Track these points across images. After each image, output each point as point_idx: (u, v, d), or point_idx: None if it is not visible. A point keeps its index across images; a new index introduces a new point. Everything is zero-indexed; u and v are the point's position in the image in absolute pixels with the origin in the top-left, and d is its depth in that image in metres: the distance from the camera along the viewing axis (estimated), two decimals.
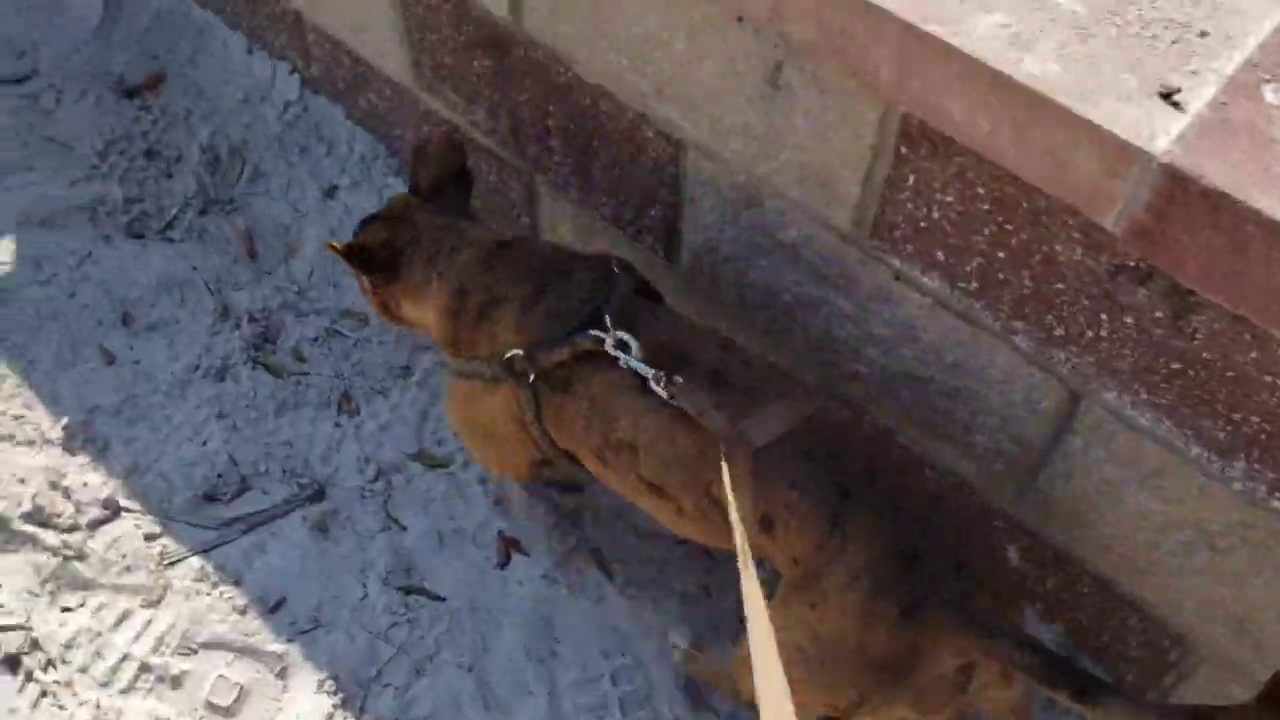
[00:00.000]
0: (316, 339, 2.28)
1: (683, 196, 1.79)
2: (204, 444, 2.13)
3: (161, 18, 2.72)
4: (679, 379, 1.47)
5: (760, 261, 1.76)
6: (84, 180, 2.47)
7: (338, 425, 2.17)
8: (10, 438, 2.12)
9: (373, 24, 2.14)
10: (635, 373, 1.50)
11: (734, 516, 1.31)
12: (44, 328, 2.26)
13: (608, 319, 1.52)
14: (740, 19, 1.47)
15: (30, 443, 2.11)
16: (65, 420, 2.13)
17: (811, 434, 1.44)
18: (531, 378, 1.58)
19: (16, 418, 2.14)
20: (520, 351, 1.58)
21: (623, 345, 1.51)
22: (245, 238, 2.40)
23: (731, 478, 1.37)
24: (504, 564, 2.00)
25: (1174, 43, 1.20)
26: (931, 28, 1.23)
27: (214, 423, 2.16)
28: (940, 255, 1.49)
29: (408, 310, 1.80)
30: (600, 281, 1.61)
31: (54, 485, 2.06)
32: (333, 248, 1.68)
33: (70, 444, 2.12)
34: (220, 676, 1.90)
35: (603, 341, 1.52)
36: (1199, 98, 1.16)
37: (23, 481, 2.06)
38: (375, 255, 1.73)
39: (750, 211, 1.70)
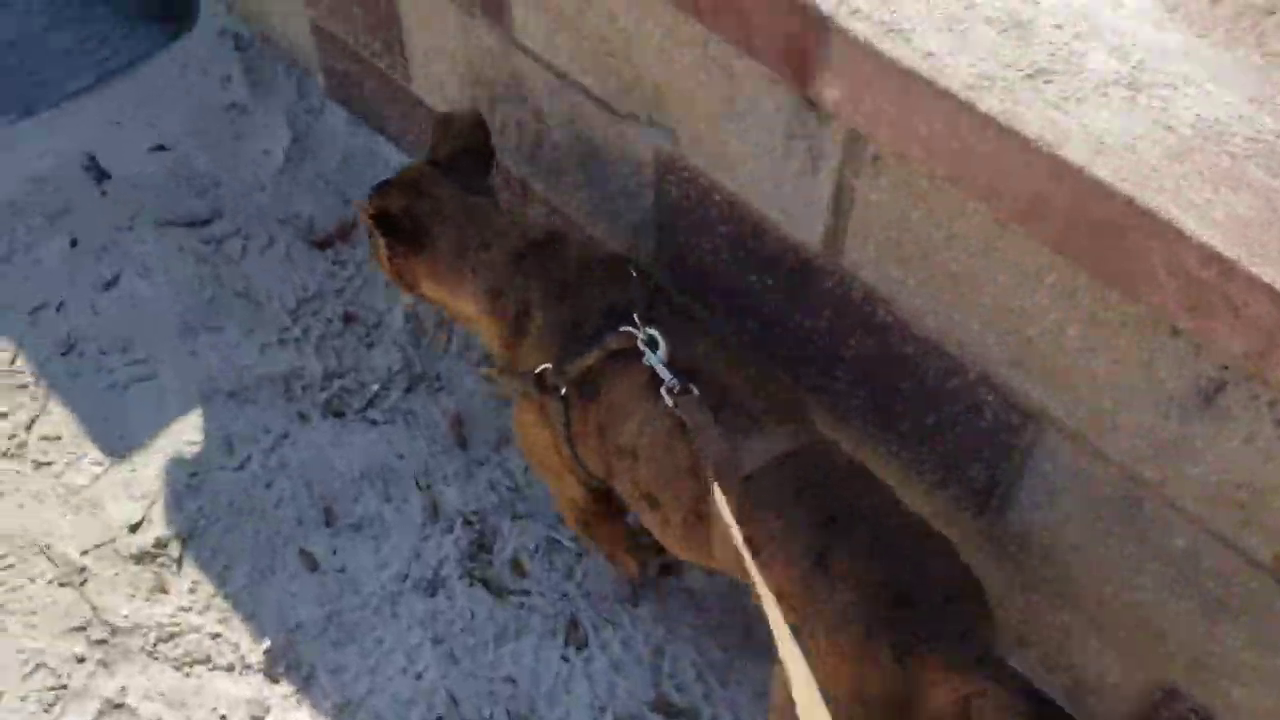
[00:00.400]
0: (536, 549, 2.05)
1: (1024, 469, 1.54)
2: (419, 676, 1.90)
3: (353, 156, 2.52)
4: (694, 389, 1.46)
5: (1117, 553, 1.50)
6: (276, 345, 2.27)
7: (565, 659, 1.93)
8: (207, 660, 1.91)
9: (626, 213, 1.91)
10: (649, 378, 1.49)
11: (744, 552, 1.31)
12: (240, 524, 2.05)
13: (636, 316, 1.53)
14: (1175, 330, 1.22)
15: (229, 668, 1.90)
16: (267, 643, 1.92)
17: (802, 465, 1.43)
18: (563, 390, 1.57)
19: (213, 635, 1.93)
20: (549, 366, 1.58)
21: (651, 343, 1.50)
22: (454, 421, 2.18)
23: (720, 500, 1.37)
24: None
25: None
26: None
27: (429, 649, 1.93)
28: None
29: (428, 288, 1.78)
30: (621, 282, 1.61)
31: None
32: (362, 208, 1.68)
33: (273, 670, 1.90)
34: None
35: (632, 340, 1.51)
36: None
37: (224, 718, 1.85)
38: (400, 224, 1.70)
39: (1124, 509, 1.44)
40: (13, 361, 2.24)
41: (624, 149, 1.80)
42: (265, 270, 2.38)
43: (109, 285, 2.36)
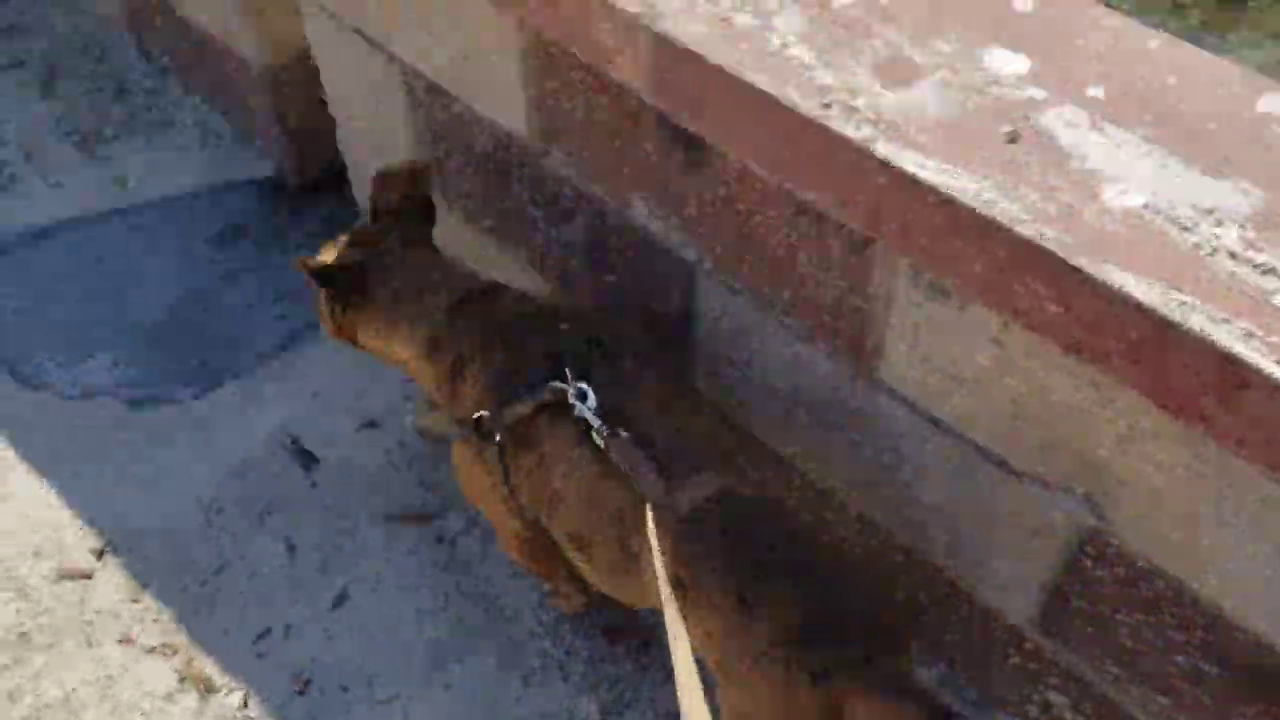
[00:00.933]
0: None
1: None
2: None
3: None
4: (622, 433, 1.52)
5: None
6: (540, 674, 2.01)
7: None
8: None
9: (1004, 567, 1.67)
10: (579, 428, 1.55)
11: (663, 586, 1.38)
12: None
13: (568, 371, 1.58)
14: None
15: None
16: None
17: (728, 509, 1.48)
18: (498, 437, 1.63)
19: None
20: (486, 413, 1.63)
21: (581, 395, 1.56)
22: None
23: (653, 534, 1.44)
24: None
25: None
26: None
27: None
28: None
29: (366, 338, 1.85)
30: (554, 334, 1.67)
31: None
32: (302, 264, 1.72)
33: None
34: None
35: (564, 394, 1.56)
36: None
37: None
38: (339, 278, 1.77)
39: None
40: (244, 704, 1.98)
41: (1017, 508, 1.57)
42: (510, 576, 2.13)
43: (338, 602, 2.10)
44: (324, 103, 2.44)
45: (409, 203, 1.84)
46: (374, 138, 2.31)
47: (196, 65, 2.75)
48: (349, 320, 1.84)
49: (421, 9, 1.90)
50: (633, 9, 1.47)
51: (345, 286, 1.79)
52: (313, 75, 2.47)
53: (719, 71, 1.40)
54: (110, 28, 3.02)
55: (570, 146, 1.84)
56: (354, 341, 1.90)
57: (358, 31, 2.09)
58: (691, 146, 1.60)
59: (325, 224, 2.70)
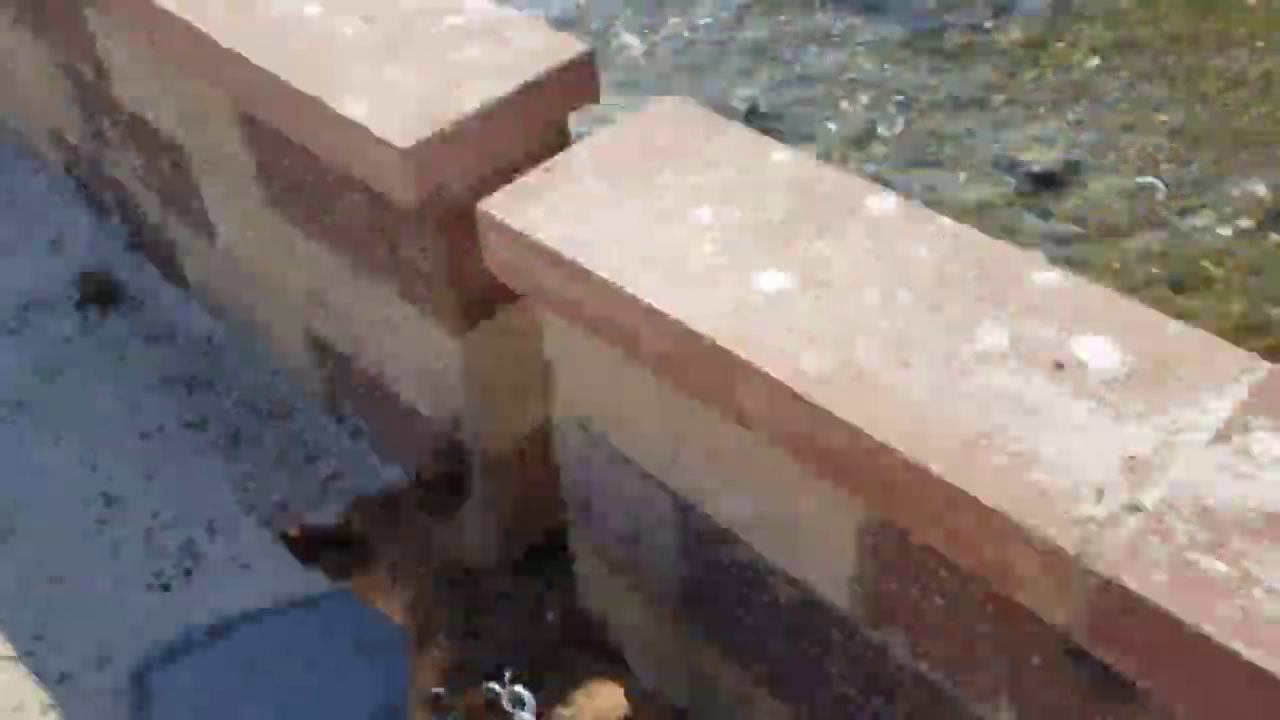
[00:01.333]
0: None
1: None
2: None
3: None
4: None
5: None
6: None
7: None
8: None
9: None
10: None
11: None
12: None
13: (508, 673, 1.53)
14: None
15: None
16: None
17: None
18: (450, 715, 1.60)
19: None
20: (442, 691, 1.59)
21: (517, 701, 1.51)
22: None
23: None
24: None
25: None
26: None
27: None
28: None
29: (376, 600, 1.86)
30: (527, 622, 1.64)
31: None
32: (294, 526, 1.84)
33: None
34: None
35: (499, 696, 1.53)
36: None
37: None
38: (346, 551, 1.84)
39: None
40: None
41: None
42: None
43: None
44: (538, 489, 2.24)
45: (443, 486, 1.96)
46: (627, 562, 2.07)
47: (399, 437, 2.57)
48: (361, 583, 1.88)
49: (726, 459, 1.68)
50: (1066, 545, 1.22)
51: (348, 558, 1.84)
52: (528, 463, 2.29)
53: (1198, 639, 1.14)
54: (300, 386, 2.88)
55: (908, 625, 1.58)
56: (370, 601, 1.92)
57: (629, 459, 1.88)
58: (1113, 679, 1.33)
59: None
